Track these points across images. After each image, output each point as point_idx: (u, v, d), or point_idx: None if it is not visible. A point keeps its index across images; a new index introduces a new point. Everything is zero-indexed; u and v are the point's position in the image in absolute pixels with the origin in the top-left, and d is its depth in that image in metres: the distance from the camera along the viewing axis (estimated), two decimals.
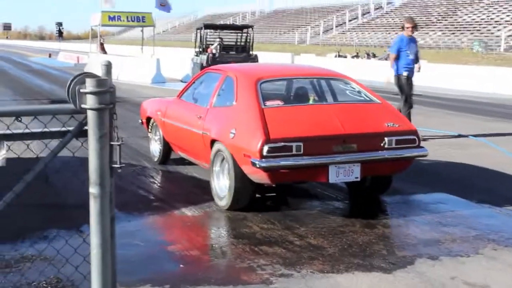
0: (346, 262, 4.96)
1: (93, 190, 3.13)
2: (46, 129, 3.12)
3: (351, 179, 6.19)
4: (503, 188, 7.54)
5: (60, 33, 55.65)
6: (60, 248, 4.10)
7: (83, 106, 3.05)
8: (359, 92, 6.94)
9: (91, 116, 3.04)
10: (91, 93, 3.03)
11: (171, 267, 4.89)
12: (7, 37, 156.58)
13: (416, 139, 6.40)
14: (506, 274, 4.81)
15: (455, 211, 6.47)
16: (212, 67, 8.23)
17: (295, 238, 5.57)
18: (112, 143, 3.27)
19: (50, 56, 50.95)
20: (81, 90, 3.05)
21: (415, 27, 11.24)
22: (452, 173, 7.77)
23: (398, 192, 6.92)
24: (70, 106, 3.10)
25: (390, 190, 6.87)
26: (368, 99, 6.81)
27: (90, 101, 3.03)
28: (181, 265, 4.92)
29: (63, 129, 3.16)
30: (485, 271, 4.84)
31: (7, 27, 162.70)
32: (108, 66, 3.30)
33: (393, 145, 6.25)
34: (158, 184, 7.83)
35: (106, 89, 3.09)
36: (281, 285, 4.51)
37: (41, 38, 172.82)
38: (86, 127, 3.11)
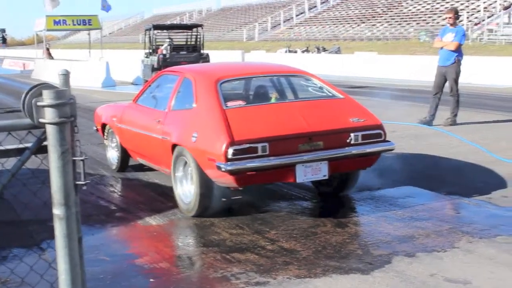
0: (322, 265, 4.80)
1: (58, 211, 2.90)
2: (1, 147, 2.88)
3: (319, 178, 6.03)
4: (469, 178, 7.48)
5: (3, 39, 54.38)
6: (13, 268, 3.84)
7: (41, 120, 2.81)
8: (321, 88, 6.79)
9: (51, 131, 2.81)
10: (49, 106, 2.79)
11: (141, 282, 4.65)
12: None
13: (382, 133, 6.27)
14: (485, 267, 4.71)
15: (425, 204, 6.37)
16: (168, 68, 7.98)
17: (266, 243, 5.38)
18: (74, 158, 3.04)
19: None
20: (38, 103, 2.81)
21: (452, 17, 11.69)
22: (417, 165, 7.68)
23: (366, 188, 6.79)
24: (27, 120, 2.86)
25: (357, 186, 6.73)
26: (330, 94, 6.66)
27: (49, 115, 2.79)
28: (152, 279, 4.68)
29: (20, 146, 2.91)
30: (464, 265, 4.74)
31: None
32: (66, 76, 3.06)
33: (360, 141, 6.11)
34: (119, 193, 7.56)
35: (65, 101, 2.85)
36: None
37: None
38: (45, 143, 2.87)
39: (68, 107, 2.89)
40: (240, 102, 6.42)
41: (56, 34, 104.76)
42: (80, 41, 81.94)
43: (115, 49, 53.30)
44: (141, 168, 8.24)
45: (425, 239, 5.36)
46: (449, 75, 11.53)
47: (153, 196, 7.14)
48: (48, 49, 36.23)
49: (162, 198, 6.97)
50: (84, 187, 3.04)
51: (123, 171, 8.28)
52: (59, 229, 2.89)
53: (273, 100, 6.78)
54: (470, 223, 5.77)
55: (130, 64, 27.15)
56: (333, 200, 6.59)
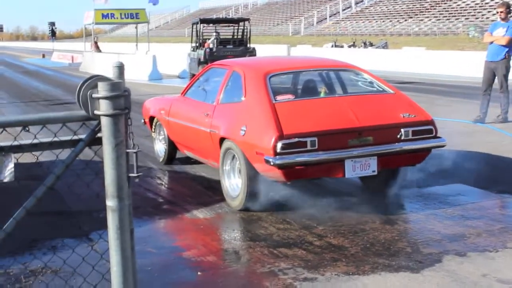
0: (371, 263, 4.74)
1: (111, 203, 2.90)
2: (56, 139, 2.89)
3: (368, 173, 5.96)
4: None
5: (53, 33, 55.20)
6: (66, 258, 3.87)
7: (96, 112, 2.81)
8: (371, 82, 6.71)
9: (105, 123, 2.81)
10: (104, 98, 2.79)
11: (189, 275, 4.66)
12: None
13: (433, 129, 6.17)
14: None
15: (476, 203, 6.24)
16: (217, 62, 7.98)
17: (314, 238, 5.34)
18: (128, 150, 3.04)
19: (43, 56, 50.61)
20: (94, 95, 2.82)
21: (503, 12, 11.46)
22: (467, 162, 7.53)
23: (415, 185, 6.68)
24: (81, 112, 2.87)
25: (406, 183, 6.63)
26: (381, 89, 6.57)
27: (103, 107, 2.80)
28: (199, 273, 4.69)
29: (75, 137, 2.93)
30: None
31: None
32: (121, 68, 3.06)
33: (410, 137, 6.02)
34: (166, 186, 7.60)
35: (120, 93, 2.85)
36: None
37: (34, 38, 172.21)
38: (99, 135, 2.88)
39: (123, 99, 2.88)
40: (289, 96, 6.37)
41: (103, 28, 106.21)
42: (127, 34, 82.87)
43: (161, 43, 53.74)
44: (188, 161, 8.27)
45: (476, 238, 5.25)
46: (498, 71, 11.28)
47: (200, 189, 7.16)
48: (96, 42, 36.72)
49: (209, 191, 6.98)
50: (137, 180, 3.05)
51: (170, 164, 8.32)
52: (112, 221, 2.90)
53: (322, 95, 6.73)
54: None
55: (176, 57, 27.34)
56: (381, 196, 6.50)
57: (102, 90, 2.79)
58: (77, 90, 2.84)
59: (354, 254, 4.95)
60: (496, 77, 11.35)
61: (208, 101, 7.04)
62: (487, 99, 11.33)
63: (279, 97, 6.16)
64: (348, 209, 6.12)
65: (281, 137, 5.60)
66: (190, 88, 7.80)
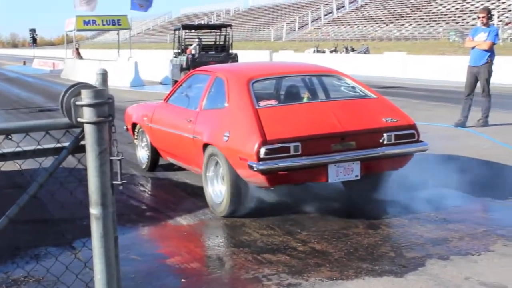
0: (354, 267, 4.75)
1: (95, 211, 2.90)
2: (39, 146, 2.89)
3: (351, 178, 5.99)
4: (502, 180, 7.34)
5: (34, 39, 54.90)
6: (50, 267, 3.85)
7: (79, 120, 2.81)
8: (353, 87, 6.74)
9: (89, 130, 2.81)
10: (88, 105, 2.79)
11: (172, 282, 4.65)
12: None
13: (415, 133, 6.21)
14: None
15: (458, 207, 6.27)
16: (199, 68, 7.98)
17: (298, 244, 5.35)
18: (112, 158, 3.04)
19: (24, 63, 50.32)
20: (77, 103, 2.81)
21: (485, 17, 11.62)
22: (449, 166, 7.58)
23: (398, 189, 6.70)
24: (64, 120, 2.86)
25: (389, 187, 6.66)
26: (363, 94, 6.61)
27: (87, 114, 2.80)
28: (183, 280, 4.67)
29: (58, 145, 2.92)
30: (499, 270, 4.66)
31: None
32: (104, 75, 3.06)
33: (393, 141, 6.05)
34: (149, 193, 7.57)
35: (104, 101, 2.85)
36: None
37: (14, 45, 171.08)
38: (83, 142, 2.88)
39: (107, 107, 2.88)
40: (272, 102, 6.39)
41: (85, 34, 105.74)
42: (108, 41, 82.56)
43: (144, 49, 53.63)
44: (170, 167, 8.25)
45: (459, 242, 5.28)
46: (481, 75, 11.38)
47: (183, 196, 7.15)
48: (77, 49, 36.56)
49: (193, 198, 6.97)
50: (121, 187, 3.04)
51: (153, 171, 8.30)
52: (96, 229, 2.89)
53: (305, 100, 6.75)
54: (505, 225, 5.67)
55: (158, 64, 27.30)
56: (364, 201, 6.53)
57: (85, 97, 2.79)
58: (61, 97, 2.83)
59: (337, 259, 4.96)
60: (479, 82, 11.45)
61: (191, 107, 7.04)
62: (469, 104, 11.43)
63: (262, 103, 6.18)
64: (331, 214, 6.14)
65: (264, 142, 5.61)
66: (173, 94, 7.79)
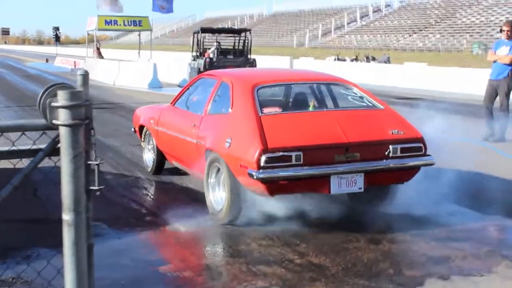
0: (350, 284, 4.60)
1: (67, 217, 2.78)
2: (14, 147, 2.78)
3: (354, 190, 5.83)
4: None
5: (57, 37, 55.24)
6: (41, 270, 3.73)
7: (54, 121, 2.70)
8: (361, 97, 6.58)
9: (63, 133, 2.70)
10: (63, 107, 2.68)
11: None
12: (5, 42, 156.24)
13: (422, 146, 6.04)
14: None
15: (464, 225, 6.08)
16: (207, 72, 7.88)
17: (295, 256, 5.20)
18: (90, 162, 2.92)
19: (47, 61, 50.61)
20: (53, 104, 2.70)
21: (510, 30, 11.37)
22: (459, 182, 7.35)
23: (404, 204, 6.52)
24: (42, 121, 2.76)
25: (394, 201, 6.48)
26: (371, 105, 6.45)
27: (62, 116, 2.68)
28: None
29: (34, 147, 2.81)
30: None
31: (5, 32, 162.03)
32: (85, 76, 2.94)
33: (398, 154, 5.89)
34: (151, 197, 7.46)
35: (80, 103, 2.73)
36: None
37: (40, 42, 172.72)
38: (60, 145, 2.77)
39: (83, 109, 2.77)
40: (277, 109, 6.25)
41: (109, 34, 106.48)
42: (132, 42, 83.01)
43: (165, 51, 53.75)
44: (176, 171, 8.14)
45: (462, 261, 5.10)
46: (500, 89, 11.19)
47: (186, 201, 7.02)
48: (98, 49, 36.69)
49: (195, 204, 6.83)
50: (98, 193, 2.93)
51: (158, 174, 8.20)
52: (67, 235, 2.78)
53: (310, 108, 6.61)
54: (510, 246, 5.49)
55: (178, 66, 27.26)
56: (368, 215, 6.34)
57: (61, 99, 2.68)
58: (39, 97, 2.73)
59: (334, 274, 4.81)
60: (498, 96, 11.26)
61: (196, 111, 6.93)
62: (491, 116, 11.25)
63: (266, 110, 6.05)
64: (333, 226, 5.98)
65: (265, 150, 5.48)
66: (180, 97, 7.69)
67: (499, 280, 4.72)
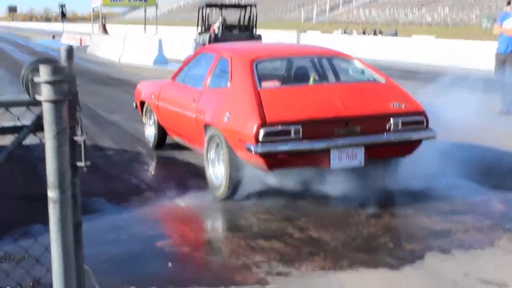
0: (349, 258, 4.55)
1: (52, 194, 2.73)
2: None
3: (354, 164, 5.77)
4: None
5: (63, 14, 55.07)
6: (28, 247, 3.69)
7: (37, 97, 2.65)
8: (362, 71, 6.49)
9: (46, 109, 2.65)
10: (46, 82, 2.62)
11: (158, 266, 4.48)
12: (12, 19, 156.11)
13: (424, 120, 5.96)
14: None
15: (467, 198, 5.99)
16: (207, 46, 7.82)
17: (294, 231, 5.15)
18: (75, 138, 2.87)
19: (53, 38, 50.50)
20: (35, 79, 2.64)
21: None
22: (462, 155, 7.26)
23: (406, 178, 6.44)
24: (26, 97, 2.71)
25: (396, 176, 6.39)
26: (372, 78, 6.36)
27: (45, 92, 2.63)
28: (170, 264, 4.51)
29: (18, 123, 2.77)
30: (502, 266, 4.43)
31: (12, 9, 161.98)
32: (69, 51, 2.88)
33: (399, 127, 5.82)
34: (152, 172, 7.43)
35: (63, 78, 2.68)
36: (278, 286, 4.11)
37: (47, 19, 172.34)
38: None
39: (67, 85, 2.72)
40: (276, 83, 6.17)
41: (116, 11, 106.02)
42: (139, 18, 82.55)
43: (173, 26, 53.49)
44: (178, 147, 8.08)
45: (463, 235, 5.04)
46: (508, 63, 11.04)
47: (186, 177, 6.98)
48: (104, 25, 36.52)
49: (196, 179, 6.79)
50: (85, 169, 2.88)
51: (160, 149, 8.16)
52: (52, 213, 2.73)
53: (311, 82, 6.52)
54: None
55: (184, 42, 27.10)
56: (370, 189, 6.20)
57: (43, 74, 2.63)
58: (22, 72, 2.68)
59: (333, 248, 4.76)
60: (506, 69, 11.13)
61: (196, 86, 6.86)
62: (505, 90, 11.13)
63: (264, 84, 5.97)
64: (334, 201, 5.90)
65: (263, 124, 5.41)
66: (180, 72, 7.62)
67: (501, 254, 4.66)
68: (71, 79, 2.75)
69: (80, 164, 2.88)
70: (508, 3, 11.54)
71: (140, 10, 71.60)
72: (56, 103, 2.65)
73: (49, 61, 2.73)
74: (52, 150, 2.67)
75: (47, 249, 3.01)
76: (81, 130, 2.91)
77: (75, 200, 2.89)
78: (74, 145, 2.87)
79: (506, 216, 5.60)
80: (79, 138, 2.88)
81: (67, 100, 2.73)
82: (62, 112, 2.68)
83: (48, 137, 2.67)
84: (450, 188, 6.22)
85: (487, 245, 4.82)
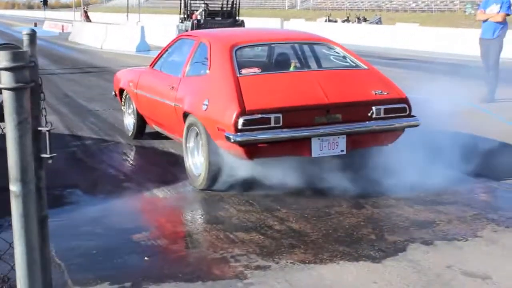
0: (330, 250, 4.43)
1: (14, 187, 2.59)
2: None
3: (336, 153, 5.65)
4: (502, 160, 6.92)
5: (45, 1, 54.49)
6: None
7: None
8: (344, 57, 6.35)
9: (7, 97, 2.51)
10: (5, 69, 2.48)
11: (134, 260, 4.33)
12: None
13: (407, 107, 5.84)
14: (508, 260, 4.29)
15: (450, 187, 5.87)
16: (185, 32, 7.66)
17: (275, 222, 5.03)
18: (39, 128, 2.73)
19: (35, 25, 49.84)
20: None
21: None
22: (446, 144, 7.14)
23: (388, 167, 6.33)
24: None
25: (379, 164, 6.28)
26: (353, 64, 6.22)
27: (4, 79, 2.49)
28: (146, 258, 4.36)
29: None
30: (485, 257, 4.33)
31: None
32: (31, 36, 2.73)
33: (382, 115, 5.70)
34: (131, 162, 7.27)
35: (23, 64, 2.53)
36: (257, 280, 3.98)
37: (29, 7, 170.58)
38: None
39: (28, 71, 2.57)
40: (255, 70, 6.00)
41: None
42: (122, 5, 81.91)
43: (156, 14, 53.07)
44: (158, 136, 7.92)
45: (446, 225, 4.94)
46: (492, 48, 10.97)
47: (165, 167, 6.84)
48: (86, 12, 36.15)
49: (175, 169, 6.65)
50: (50, 161, 2.74)
51: (139, 139, 7.99)
52: (15, 207, 2.60)
53: (291, 69, 6.38)
54: (497, 209, 5.32)
55: (167, 29, 26.84)
56: (352, 179, 6.06)
57: (2, 60, 2.49)
58: None
59: (314, 240, 4.64)
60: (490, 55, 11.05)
61: (174, 73, 6.69)
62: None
63: (244, 71, 5.81)
64: (315, 191, 5.79)
65: (243, 112, 5.27)
66: (159, 59, 7.44)
67: (484, 244, 4.56)
68: (33, 66, 2.61)
69: (45, 155, 2.75)
70: None
71: None
72: (17, 91, 2.51)
73: (9, 46, 2.58)
74: (14, 141, 2.55)
75: (11, 245, 2.86)
76: (46, 120, 2.77)
77: (40, 194, 2.76)
78: (38, 135, 2.73)
79: (489, 205, 5.51)
80: (43, 128, 2.74)
81: (29, 88, 2.59)
82: (23, 101, 2.55)
83: (9, 128, 2.53)
84: (433, 177, 6.09)
85: (471, 236, 4.72)
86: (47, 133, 2.68)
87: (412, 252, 4.40)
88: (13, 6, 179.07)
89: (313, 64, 6.58)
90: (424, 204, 5.46)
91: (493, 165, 6.65)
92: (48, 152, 2.71)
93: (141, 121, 7.80)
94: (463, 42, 21.97)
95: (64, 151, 7.36)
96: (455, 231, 4.81)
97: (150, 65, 7.60)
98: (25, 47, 2.62)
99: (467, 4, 42.93)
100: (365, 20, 35.12)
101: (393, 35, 26.65)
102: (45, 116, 2.71)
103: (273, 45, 6.78)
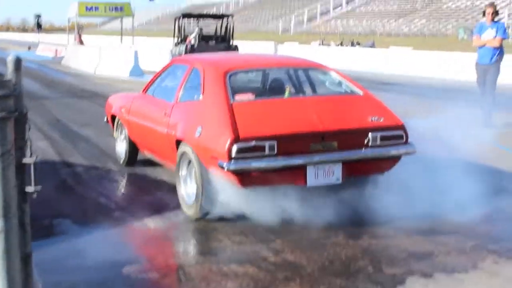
0: (326, 284, 4.29)
1: None
2: None
3: (332, 182, 5.52)
4: (500, 187, 6.82)
5: (38, 25, 54.50)
6: None
7: None
8: (339, 83, 6.25)
9: None
10: None
11: None
12: None
13: (404, 134, 5.73)
14: None
15: (449, 217, 5.71)
16: (178, 57, 7.55)
17: (269, 254, 4.88)
18: (24, 160, 2.60)
19: (29, 48, 49.87)
20: None
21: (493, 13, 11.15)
22: (444, 171, 7.03)
23: (386, 196, 6.19)
24: None
25: (376, 193, 6.13)
26: (349, 90, 6.12)
27: None
28: None
29: None
30: None
31: None
32: (16, 62, 2.60)
33: (378, 142, 5.58)
34: (122, 190, 7.11)
35: (7, 93, 2.40)
36: None
37: (24, 30, 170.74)
38: None
39: (12, 100, 2.44)
40: (250, 96, 5.89)
41: (94, 21, 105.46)
42: (116, 28, 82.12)
43: (150, 37, 53.14)
44: (150, 163, 7.77)
45: (446, 257, 4.79)
46: (490, 73, 10.93)
47: (158, 195, 6.68)
48: (80, 35, 36.12)
49: (167, 197, 6.49)
50: (35, 195, 2.61)
51: (132, 166, 7.84)
52: None
53: (286, 95, 6.26)
54: (498, 240, 5.18)
55: (161, 53, 26.78)
56: (348, 208, 5.92)
57: None
58: None
59: (310, 273, 4.49)
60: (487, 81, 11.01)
61: (167, 99, 6.58)
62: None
63: (238, 97, 5.70)
64: (311, 221, 5.60)
65: (236, 140, 5.15)
66: (152, 85, 7.33)
67: (486, 277, 4.43)
68: (17, 94, 2.48)
69: (30, 189, 2.61)
70: (483, 14, 11.47)
71: (118, 20, 71.26)
72: (0, 121, 2.38)
73: None
74: None
75: None
76: (31, 151, 2.64)
77: (24, 229, 2.62)
78: (22, 168, 2.60)
79: (489, 236, 5.36)
80: (28, 160, 2.61)
81: (13, 118, 2.47)
82: (6, 131, 2.41)
83: None
84: (431, 206, 5.96)
85: (471, 268, 4.58)
86: (32, 165, 2.55)
87: (411, 285, 4.27)
88: (7, 29, 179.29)
89: (308, 90, 6.48)
90: (422, 234, 5.32)
91: (491, 194, 6.48)
92: (32, 185, 2.58)
93: (133, 148, 7.66)
94: (457, 66, 21.97)
95: (54, 178, 7.22)
96: (455, 263, 4.67)
97: (143, 91, 7.49)
98: (9, 74, 2.50)
99: (459, 28, 43.14)
100: (358, 44, 35.21)
101: (386, 58, 26.64)
102: (30, 147, 2.59)
103: (267, 71, 6.69)
